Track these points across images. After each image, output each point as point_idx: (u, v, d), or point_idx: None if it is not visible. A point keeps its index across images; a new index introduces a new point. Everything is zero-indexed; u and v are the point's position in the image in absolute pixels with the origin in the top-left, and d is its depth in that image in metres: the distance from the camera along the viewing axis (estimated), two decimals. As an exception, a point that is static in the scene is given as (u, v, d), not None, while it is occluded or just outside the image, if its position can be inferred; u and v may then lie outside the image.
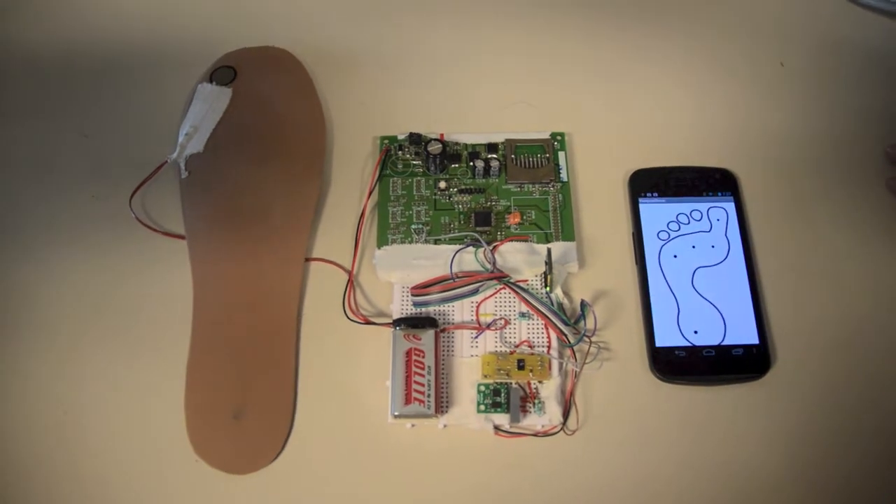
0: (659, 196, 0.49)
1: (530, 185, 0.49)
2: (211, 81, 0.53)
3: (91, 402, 0.44)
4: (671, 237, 0.48)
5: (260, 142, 0.51)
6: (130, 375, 0.45)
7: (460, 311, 0.45)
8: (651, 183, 0.50)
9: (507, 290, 0.45)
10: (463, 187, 0.49)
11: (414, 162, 0.50)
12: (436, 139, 0.50)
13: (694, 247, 0.47)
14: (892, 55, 0.55)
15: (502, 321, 0.45)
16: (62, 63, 0.56)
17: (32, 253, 0.49)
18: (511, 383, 0.43)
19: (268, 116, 0.53)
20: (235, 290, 0.46)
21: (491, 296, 0.45)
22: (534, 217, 0.48)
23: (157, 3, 0.59)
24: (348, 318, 0.45)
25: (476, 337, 0.45)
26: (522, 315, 0.45)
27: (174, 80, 0.55)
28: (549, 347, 0.44)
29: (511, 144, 0.50)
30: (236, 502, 0.41)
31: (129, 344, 0.46)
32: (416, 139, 0.50)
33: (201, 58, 0.55)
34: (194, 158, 0.51)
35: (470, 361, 0.44)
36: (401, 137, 0.51)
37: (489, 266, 0.45)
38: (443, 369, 0.44)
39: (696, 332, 0.45)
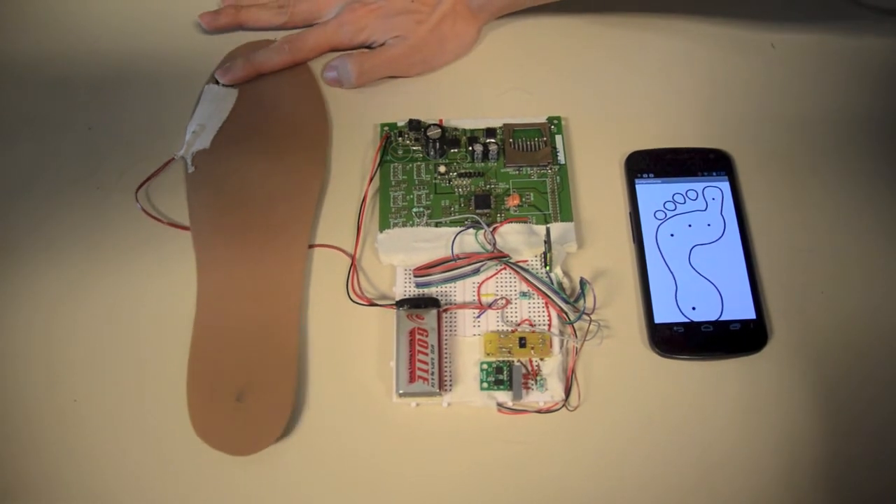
0: (655, 177, 0.50)
1: (528, 168, 0.50)
2: (216, 81, 0.54)
3: (96, 387, 0.44)
4: (668, 216, 0.48)
5: (264, 135, 0.52)
6: (134, 361, 0.45)
7: (462, 291, 0.46)
8: (647, 164, 0.50)
9: (508, 270, 0.46)
10: (462, 171, 0.50)
11: (414, 148, 0.51)
12: (435, 124, 0.50)
13: (690, 225, 0.48)
14: (881, 39, 0.57)
15: (503, 300, 0.46)
16: (69, 65, 0.57)
17: (38, 241, 0.49)
18: (513, 361, 0.44)
19: (272, 110, 0.53)
20: (238, 277, 0.47)
21: (492, 276, 0.46)
22: (532, 199, 0.49)
23: (162, 2, 0.60)
24: (352, 300, 0.46)
25: (478, 316, 0.45)
26: (523, 294, 0.46)
27: (179, 75, 0.56)
28: (549, 325, 0.45)
29: (509, 129, 0.51)
30: (239, 484, 0.42)
31: (132, 330, 0.46)
32: (415, 125, 0.51)
33: (205, 55, 0.56)
34: (201, 154, 0.51)
35: (472, 340, 0.45)
36: (400, 124, 0.52)
37: (490, 247, 0.46)
38: (446, 348, 0.44)
39: (693, 309, 0.45)
